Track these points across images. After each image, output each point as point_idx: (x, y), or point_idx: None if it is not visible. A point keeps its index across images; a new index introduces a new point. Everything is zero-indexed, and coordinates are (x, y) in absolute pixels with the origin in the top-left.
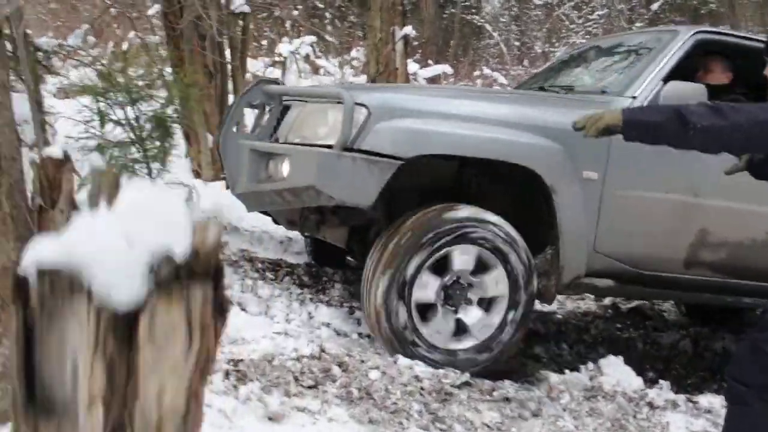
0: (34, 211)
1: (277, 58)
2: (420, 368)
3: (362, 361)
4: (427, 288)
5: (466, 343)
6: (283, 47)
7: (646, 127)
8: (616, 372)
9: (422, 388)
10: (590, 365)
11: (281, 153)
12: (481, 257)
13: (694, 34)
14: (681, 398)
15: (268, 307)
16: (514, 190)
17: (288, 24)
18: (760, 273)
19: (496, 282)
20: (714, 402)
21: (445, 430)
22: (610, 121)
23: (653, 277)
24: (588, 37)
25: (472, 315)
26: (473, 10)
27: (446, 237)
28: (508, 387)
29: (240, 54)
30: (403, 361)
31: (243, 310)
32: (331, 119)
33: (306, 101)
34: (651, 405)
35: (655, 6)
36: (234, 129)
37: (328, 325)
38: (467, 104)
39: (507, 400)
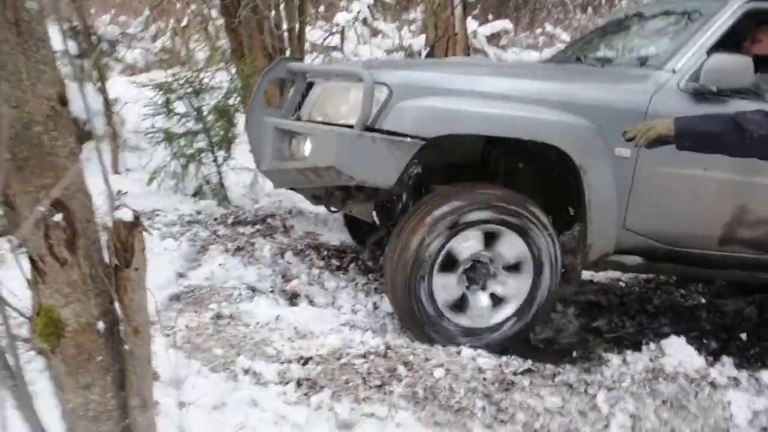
0: (111, 270)
1: (335, 28)
2: (482, 359)
3: (426, 359)
4: (449, 280)
5: (506, 312)
6: (341, 16)
7: (701, 136)
8: (678, 352)
9: (485, 379)
10: (652, 346)
11: (302, 132)
12: (490, 232)
13: (744, 3)
14: (743, 375)
15: (334, 298)
16: (543, 168)
17: None
18: None
19: (512, 248)
20: None
21: (508, 420)
22: (662, 131)
23: (686, 254)
24: None
25: (502, 285)
26: None
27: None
28: (569, 372)
29: (298, 34)
30: (466, 353)
31: (311, 303)
32: (352, 98)
33: (328, 79)
34: (712, 384)
35: None
36: (258, 106)
37: (392, 315)
38: (493, 81)
39: (569, 385)
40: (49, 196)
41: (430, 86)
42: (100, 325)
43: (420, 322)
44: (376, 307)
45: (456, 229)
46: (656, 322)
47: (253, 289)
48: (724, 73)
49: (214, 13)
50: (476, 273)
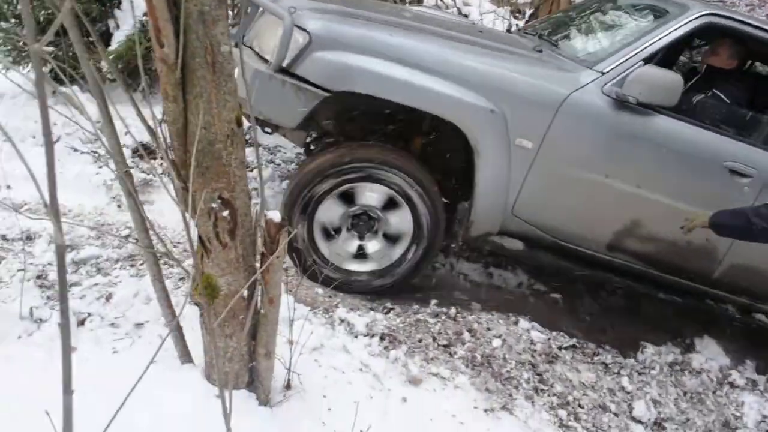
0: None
1: None
2: (535, 333)
3: (488, 329)
4: (331, 212)
5: (365, 267)
6: None
7: (727, 227)
8: (706, 350)
9: (534, 351)
10: (686, 340)
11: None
12: (390, 196)
13: (703, 15)
14: (762, 379)
15: None
16: (447, 139)
17: None
18: (688, 273)
19: (400, 220)
20: None
21: (546, 390)
22: (701, 224)
23: (573, 250)
24: None
25: (374, 244)
26: None
27: (354, 174)
28: (607, 353)
29: None
30: (522, 324)
31: None
32: (276, 37)
33: (265, 13)
34: (732, 384)
35: None
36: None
37: (465, 276)
38: (416, 45)
39: (605, 365)
40: (221, 196)
41: (348, 40)
42: (245, 293)
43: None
44: (452, 268)
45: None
46: (695, 320)
47: None
48: (648, 86)
49: None
50: (365, 223)
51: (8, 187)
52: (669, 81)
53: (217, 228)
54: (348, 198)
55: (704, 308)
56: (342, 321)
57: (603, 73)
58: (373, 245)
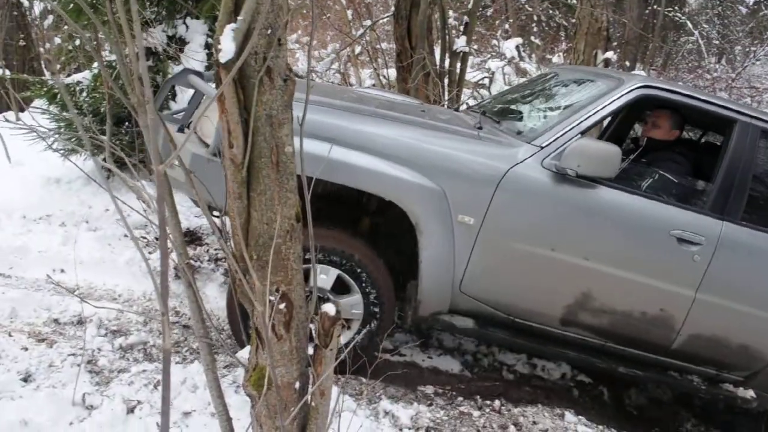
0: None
1: (487, 73)
2: (582, 427)
3: (534, 422)
4: None
5: (354, 326)
6: (493, 63)
7: None
8: None
9: None
10: None
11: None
12: (340, 278)
13: (637, 87)
14: None
15: (460, 344)
16: (394, 217)
17: (498, 32)
18: (647, 345)
19: (351, 305)
20: None
21: None
22: None
23: (526, 326)
24: None
25: (340, 304)
26: (676, 7)
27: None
28: None
29: (457, 85)
30: (569, 418)
31: (441, 346)
32: (214, 121)
33: (207, 97)
34: None
35: None
36: (156, 109)
37: (509, 367)
38: (356, 126)
39: None
40: (278, 289)
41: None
42: (297, 385)
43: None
44: (495, 358)
45: None
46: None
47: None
48: (586, 159)
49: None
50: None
51: (62, 270)
52: (606, 153)
53: (274, 320)
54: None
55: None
56: (386, 413)
57: (542, 148)
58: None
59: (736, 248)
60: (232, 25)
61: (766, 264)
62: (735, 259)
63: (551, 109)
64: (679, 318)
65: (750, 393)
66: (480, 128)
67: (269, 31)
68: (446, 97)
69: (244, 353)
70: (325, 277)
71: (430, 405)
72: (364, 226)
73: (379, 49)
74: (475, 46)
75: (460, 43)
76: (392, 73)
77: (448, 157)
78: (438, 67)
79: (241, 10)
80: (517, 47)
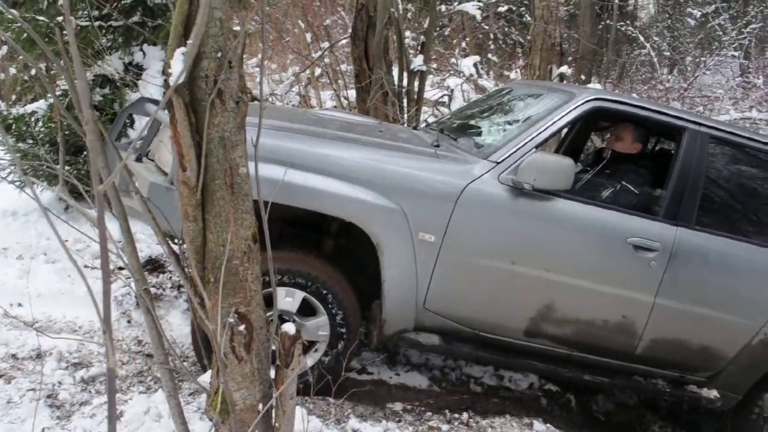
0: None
1: (446, 91)
2: None
3: None
4: None
5: (321, 348)
6: (452, 80)
7: None
8: None
9: None
10: None
11: (133, 172)
12: (306, 300)
13: (589, 100)
14: None
15: (427, 359)
16: (357, 238)
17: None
18: (611, 352)
19: (317, 327)
20: None
21: None
22: None
23: (491, 340)
24: (739, 51)
25: (306, 327)
26: (627, 21)
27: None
28: None
29: (416, 104)
30: (537, 426)
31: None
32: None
33: (164, 126)
34: None
35: None
36: (114, 138)
37: (476, 379)
38: (314, 149)
39: None
40: (238, 311)
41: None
42: (260, 407)
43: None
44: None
45: None
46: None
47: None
48: (541, 172)
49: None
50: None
51: (19, 304)
52: (560, 165)
53: (234, 342)
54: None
55: None
56: (355, 431)
57: (498, 163)
58: (303, 331)
59: (691, 252)
60: (182, 49)
61: (720, 266)
62: (690, 263)
63: (507, 124)
64: (641, 324)
65: (714, 393)
66: (437, 146)
67: (219, 54)
68: (405, 116)
69: (206, 377)
70: (290, 299)
71: (399, 422)
72: (328, 248)
73: (339, 71)
74: (434, 65)
75: (418, 62)
76: (352, 94)
77: (406, 176)
78: (396, 86)
79: (191, 34)
80: (475, 65)
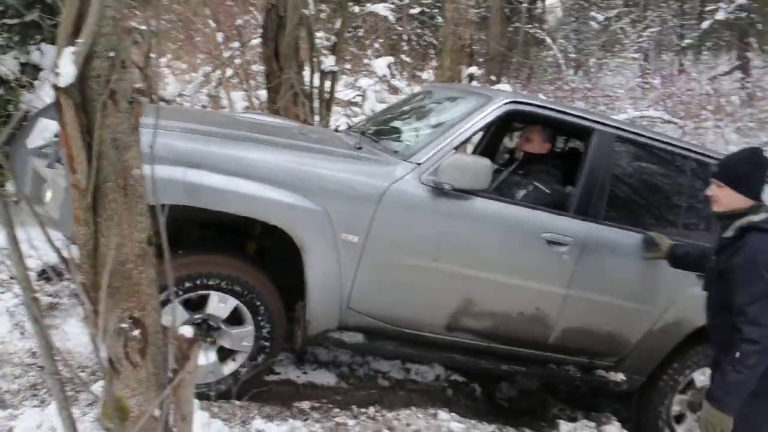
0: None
1: (359, 91)
2: (455, 423)
3: (407, 425)
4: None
5: (240, 358)
6: (364, 81)
7: (737, 398)
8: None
9: None
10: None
11: (46, 178)
12: (237, 308)
13: (505, 103)
14: None
15: (335, 357)
16: (281, 240)
17: (369, 51)
18: (526, 342)
19: (241, 337)
20: None
21: None
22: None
23: (414, 336)
24: (638, 53)
25: (226, 336)
26: (536, 24)
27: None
28: None
29: (327, 104)
30: (442, 416)
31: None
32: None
33: None
34: None
35: (705, 24)
36: (26, 142)
37: (384, 374)
38: (235, 152)
39: None
40: (131, 316)
41: (165, 152)
42: (157, 412)
43: None
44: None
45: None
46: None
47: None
48: (460, 173)
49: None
50: (199, 332)
51: None
52: (478, 166)
53: (127, 348)
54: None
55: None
56: None
57: (419, 164)
58: (227, 339)
59: (599, 246)
60: (72, 48)
61: (626, 258)
62: (598, 255)
63: (426, 126)
64: (553, 314)
65: (620, 376)
66: (359, 148)
67: (112, 54)
68: (317, 117)
69: (100, 386)
70: (223, 305)
71: (306, 420)
72: (250, 251)
73: (251, 71)
74: (348, 66)
75: (329, 62)
76: (264, 94)
77: (329, 178)
78: (308, 86)
79: (82, 33)
80: (388, 65)
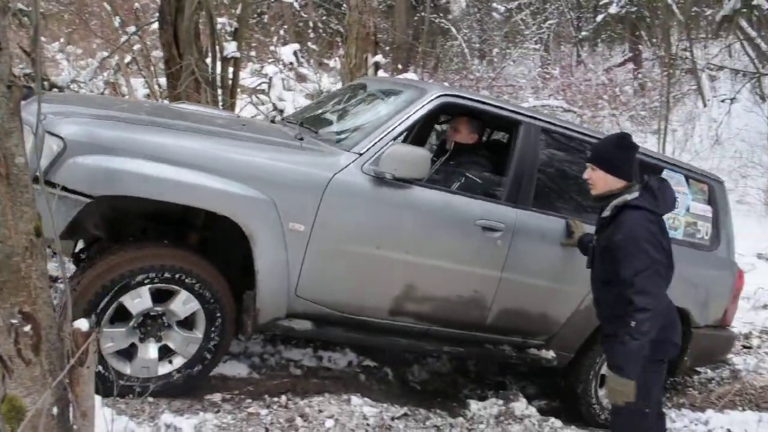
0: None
1: (265, 78)
2: (367, 408)
3: (320, 411)
4: (115, 334)
5: (178, 362)
6: (270, 68)
7: (637, 364)
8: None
9: (368, 425)
10: (507, 393)
11: None
12: (158, 289)
13: (438, 96)
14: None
15: (246, 348)
16: (229, 231)
17: (275, 38)
18: (465, 324)
19: (188, 342)
20: None
21: None
22: (631, 392)
23: (359, 321)
24: (539, 44)
25: (174, 336)
26: (441, 14)
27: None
28: (438, 416)
29: (231, 91)
30: (355, 401)
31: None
32: (29, 146)
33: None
34: (551, 426)
35: (599, 18)
36: None
37: (296, 362)
38: (178, 143)
39: (437, 428)
40: (22, 311)
41: (106, 143)
42: (55, 410)
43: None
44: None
45: (123, 287)
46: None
47: None
48: (400, 162)
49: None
50: (153, 323)
51: None
52: (417, 156)
53: (19, 345)
54: (124, 312)
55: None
56: (168, 426)
57: (360, 154)
58: (173, 339)
59: (529, 231)
60: None
61: (553, 242)
62: (528, 240)
63: (364, 118)
64: (490, 297)
65: (551, 353)
66: (301, 139)
67: None
68: (220, 104)
69: None
70: (185, 307)
71: (218, 412)
72: (193, 241)
73: (151, 58)
74: (253, 53)
75: (231, 48)
76: (165, 81)
77: (275, 168)
78: (210, 73)
79: None
80: (294, 53)
